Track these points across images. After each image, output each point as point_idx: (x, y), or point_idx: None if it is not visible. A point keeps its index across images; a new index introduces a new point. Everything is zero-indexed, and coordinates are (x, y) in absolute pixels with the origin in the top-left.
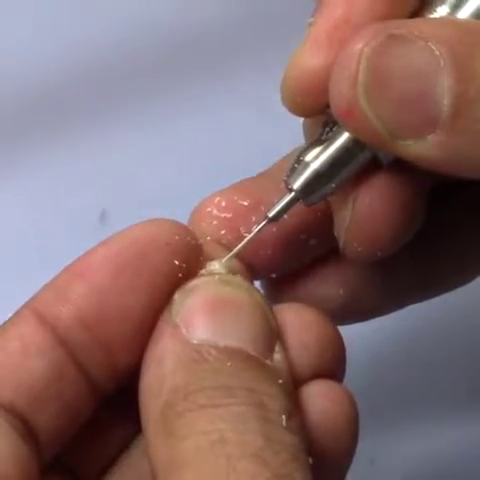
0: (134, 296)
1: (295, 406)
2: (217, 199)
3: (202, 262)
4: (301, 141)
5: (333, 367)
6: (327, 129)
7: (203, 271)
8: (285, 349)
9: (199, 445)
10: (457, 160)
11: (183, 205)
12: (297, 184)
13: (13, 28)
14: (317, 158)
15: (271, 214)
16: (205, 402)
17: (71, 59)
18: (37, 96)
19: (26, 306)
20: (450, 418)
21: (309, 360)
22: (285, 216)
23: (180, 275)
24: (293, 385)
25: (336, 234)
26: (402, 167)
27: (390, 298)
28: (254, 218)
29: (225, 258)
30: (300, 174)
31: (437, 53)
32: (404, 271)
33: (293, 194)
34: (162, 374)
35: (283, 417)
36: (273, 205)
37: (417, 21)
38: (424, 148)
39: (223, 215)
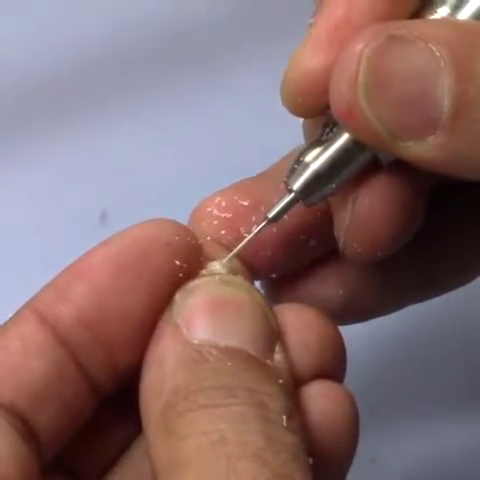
0: (134, 296)
1: (295, 406)
2: (217, 199)
3: (202, 262)
4: (301, 141)
5: (333, 367)
6: (327, 130)
7: (204, 271)
8: (285, 349)
9: (200, 445)
10: (457, 161)
11: (183, 205)
12: (297, 185)
13: (13, 19)
14: (317, 159)
15: (271, 215)
16: (206, 402)
17: (69, 52)
18: (36, 95)
19: (27, 306)
20: (450, 418)
21: (309, 360)
22: (285, 217)
23: (181, 275)
24: (293, 385)
25: (336, 235)
26: (402, 167)
27: (390, 298)
28: (254, 218)
29: (226, 258)
30: (300, 175)
31: (437, 54)
32: (404, 271)
33: (293, 195)
34: (163, 374)
35: (284, 417)
36: (273, 206)
37: (417, 22)
38: (424, 149)
39: (223, 215)
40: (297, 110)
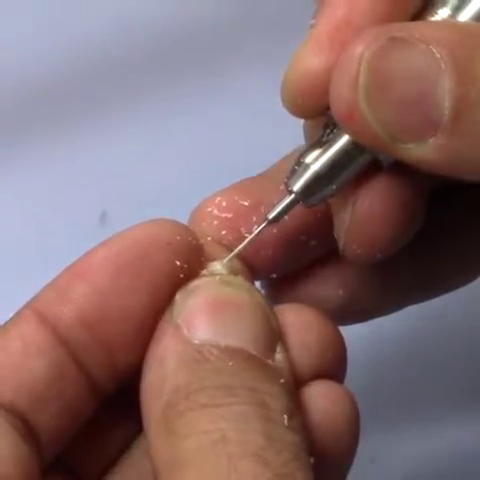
0: (135, 296)
1: (297, 406)
2: (218, 199)
3: (203, 262)
4: (301, 142)
5: (334, 367)
6: (327, 131)
7: (204, 271)
8: (286, 349)
9: (200, 444)
10: (458, 163)
11: (183, 205)
12: (297, 186)
13: (12, 23)
14: (317, 160)
15: (271, 216)
16: (206, 401)
17: (69, 55)
18: (36, 99)
19: (27, 306)
20: (450, 418)
21: (310, 360)
22: (286, 217)
23: (181, 275)
24: (294, 385)
25: (336, 236)
26: (402, 169)
27: (390, 299)
28: (255, 218)
29: (226, 259)
30: (300, 176)
31: (438, 56)
32: (404, 272)
33: (293, 196)
34: (164, 374)
35: (285, 416)
36: (273, 207)
37: (418, 24)
38: (425, 151)
39: (224, 215)
40: (297, 111)
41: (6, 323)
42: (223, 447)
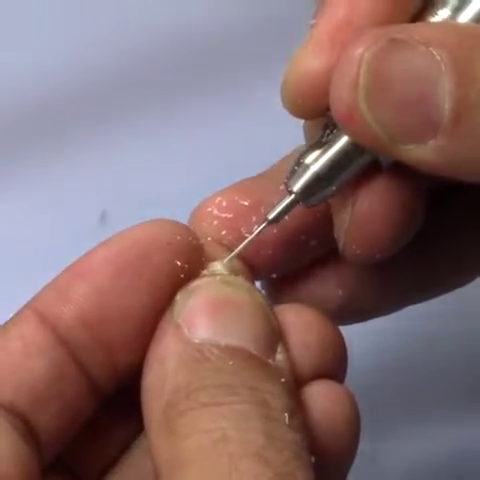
0: (135, 296)
1: (297, 405)
2: (218, 199)
3: (203, 262)
4: (301, 141)
5: (334, 367)
6: (327, 131)
7: (205, 272)
8: (286, 349)
9: (201, 444)
10: (458, 164)
11: (183, 205)
12: (297, 186)
13: (12, 42)
14: (317, 160)
15: (271, 216)
16: (207, 401)
17: (70, 66)
18: (38, 94)
19: (27, 306)
20: (450, 418)
21: (310, 360)
22: (286, 217)
23: (182, 275)
24: (295, 385)
25: (336, 236)
26: (402, 169)
27: (389, 299)
28: (255, 218)
29: (226, 259)
30: (300, 176)
31: (438, 58)
32: (403, 272)
33: (293, 196)
34: (164, 373)
35: (285, 415)
36: (273, 207)
37: (418, 25)
38: (425, 153)
39: (224, 215)
40: (297, 111)
41: (6, 323)
42: (224, 446)
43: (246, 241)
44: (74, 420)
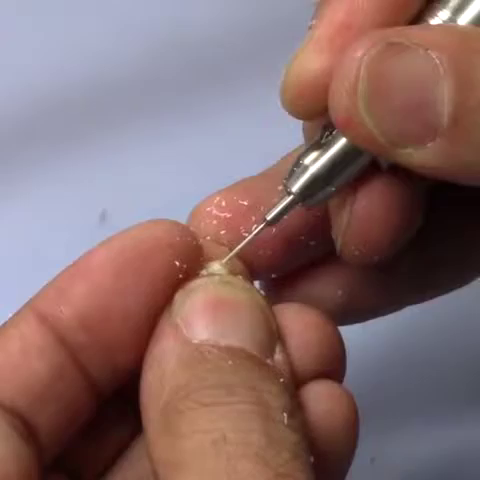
0: (134, 296)
1: (296, 405)
2: (217, 199)
3: (202, 262)
4: (301, 141)
5: (333, 367)
6: (326, 132)
7: (204, 271)
8: (285, 349)
9: (200, 444)
10: (457, 168)
11: (182, 205)
12: (296, 187)
13: (12, 41)
14: (316, 161)
15: (269, 217)
16: (206, 401)
17: (73, 71)
18: (41, 101)
19: (26, 306)
20: (450, 418)
21: (309, 360)
22: (285, 217)
23: (180, 276)
24: (294, 384)
25: (333, 237)
26: (401, 170)
27: (389, 299)
28: (254, 218)
29: (225, 259)
30: (299, 177)
31: (437, 61)
32: (403, 273)
33: (292, 197)
34: (163, 374)
35: (285, 415)
36: (272, 208)
37: (416, 28)
38: (424, 156)
39: (223, 215)
40: (296, 112)
41: (6, 323)
42: (222, 447)
43: (245, 241)
44: (73, 420)
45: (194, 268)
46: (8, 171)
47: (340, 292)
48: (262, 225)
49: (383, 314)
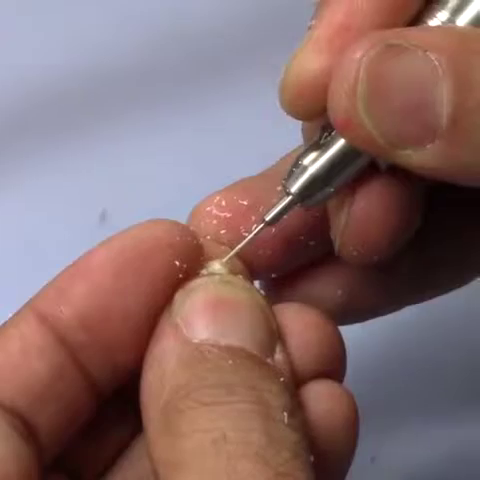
0: (135, 296)
1: (296, 404)
2: (217, 198)
3: (202, 262)
4: (301, 141)
5: (333, 367)
6: (325, 133)
7: (204, 271)
8: (286, 348)
9: (200, 443)
10: (456, 169)
11: (183, 205)
12: (295, 188)
13: (10, 36)
14: (315, 162)
15: (268, 218)
16: (206, 400)
17: (70, 62)
18: (38, 91)
19: (26, 306)
20: (450, 418)
21: (309, 360)
22: (285, 217)
23: (180, 275)
24: (294, 384)
25: (332, 237)
26: (400, 171)
27: (388, 299)
28: (254, 217)
29: (225, 258)
30: (298, 178)
31: (436, 63)
32: (402, 273)
33: (291, 198)
34: (163, 373)
35: (285, 414)
36: (270, 208)
37: (415, 30)
38: (423, 157)
39: (223, 214)
40: (295, 113)
41: (6, 323)
42: (223, 446)
43: (244, 241)
44: (73, 420)
45: (194, 268)
46: (7, 170)
47: (340, 292)
48: (261, 226)
49: (383, 314)
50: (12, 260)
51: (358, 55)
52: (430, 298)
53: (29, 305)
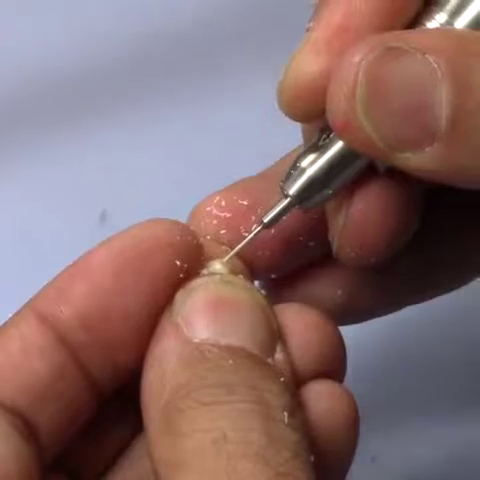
0: (135, 296)
1: (297, 404)
2: (217, 198)
3: (203, 262)
4: (301, 141)
5: (334, 367)
6: (324, 135)
7: (204, 271)
8: (286, 348)
9: (200, 443)
10: (455, 172)
11: (183, 205)
12: (293, 190)
13: (3, 29)
14: (313, 164)
15: (266, 220)
16: (207, 400)
17: (64, 54)
18: (36, 92)
19: (27, 306)
20: (450, 418)
21: (310, 359)
22: (284, 217)
23: (181, 275)
24: (295, 384)
25: (330, 239)
26: (398, 173)
27: (388, 299)
28: (254, 218)
29: (226, 258)
30: (296, 180)
31: (435, 65)
32: (402, 273)
33: (289, 200)
34: (163, 373)
35: (285, 414)
36: (269, 210)
37: (414, 32)
38: (422, 160)
39: (223, 214)
40: (294, 114)
41: (6, 323)
42: (223, 446)
43: (244, 241)
44: (74, 420)
45: (195, 267)
46: (7, 170)
47: (340, 292)
48: (259, 228)
49: (383, 314)
50: (6, 250)
51: (357, 58)
52: (430, 298)
53: (29, 305)
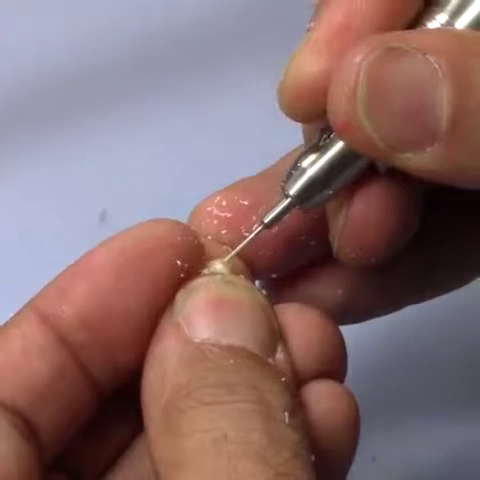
0: (136, 296)
1: (298, 404)
2: (217, 198)
3: (204, 262)
4: (301, 141)
5: (334, 367)
6: (324, 135)
7: (205, 271)
8: (287, 348)
9: (201, 443)
10: (456, 172)
11: (183, 205)
12: (293, 190)
13: (2, 29)
14: (314, 164)
15: (267, 220)
16: (207, 400)
17: (69, 54)
18: (35, 92)
19: (27, 306)
20: (450, 418)
21: (310, 359)
22: (285, 217)
23: (182, 275)
24: (295, 384)
25: (330, 239)
26: (399, 173)
27: (388, 299)
28: (254, 217)
29: (227, 258)
30: (296, 180)
31: (436, 66)
32: (402, 273)
33: (289, 200)
34: (164, 372)
35: (286, 414)
36: (269, 210)
37: (415, 32)
38: (423, 160)
39: (223, 214)
40: (294, 115)
41: (6, 323)
42: (223, 446)
43: (245, 241)
44: (74, 420)
45: (196, 267)
46: (6, 170)
47: (340, 292)
48: (260, 228)
49: (383, 314)
50: (6, 250)
51: (358, 58)
52: (430, 298)
53: (30, 305)
